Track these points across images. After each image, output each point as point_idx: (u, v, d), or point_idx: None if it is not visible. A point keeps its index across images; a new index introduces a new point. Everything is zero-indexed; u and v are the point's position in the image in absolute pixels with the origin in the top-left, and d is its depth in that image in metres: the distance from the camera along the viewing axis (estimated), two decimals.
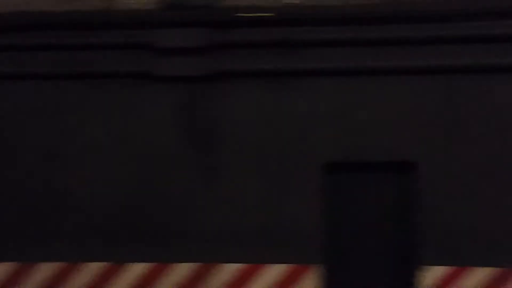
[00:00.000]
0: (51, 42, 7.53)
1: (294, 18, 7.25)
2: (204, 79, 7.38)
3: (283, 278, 7.17)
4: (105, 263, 7.28)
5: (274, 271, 7.19)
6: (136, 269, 7.26)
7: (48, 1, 7.53)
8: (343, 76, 7.27)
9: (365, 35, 7.26)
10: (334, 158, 7.26)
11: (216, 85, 7.39)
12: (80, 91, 7.52)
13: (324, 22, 7.25)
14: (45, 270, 7.29)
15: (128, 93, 7.49)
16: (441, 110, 7.17)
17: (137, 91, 7.48)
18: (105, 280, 7.27)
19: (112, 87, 7.50)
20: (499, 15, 7.05)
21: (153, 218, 7.32)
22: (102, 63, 7.55)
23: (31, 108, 7.53)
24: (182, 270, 7.24)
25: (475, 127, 7.14)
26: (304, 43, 7.29)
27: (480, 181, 7.05)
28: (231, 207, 7.29)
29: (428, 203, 7.10)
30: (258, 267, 7.21)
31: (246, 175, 7.30)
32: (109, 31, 7.52)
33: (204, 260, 7.24)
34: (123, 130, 7.44)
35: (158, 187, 7.35)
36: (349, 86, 7.27)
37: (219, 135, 7.38)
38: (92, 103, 7.50)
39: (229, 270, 7.22)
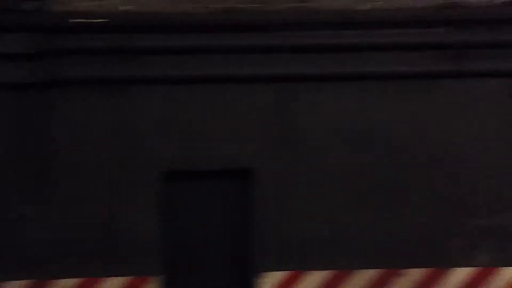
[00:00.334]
0: None
1: (130, 25, 7.14)
2: (36, 86, 7.06)
3: None
4: None
5: (113, 284, 6.99)
6: None
7: None
8: (181, 84, 7.22)
9: (203, 43, 7.26)
10: (173, 167, 7.19)
11: (49, 92, 7.09)
12: None
13: (160, 29, 7.20)
14: None
15: None
16: (278, 118, 7.32)
17: None
18: None
19: None
20: (327, 26, 7.32)
21: None
22: None
23: None
24: None
25: (311, 135, 7.33)
26: (139, 50, 7.18)
27: (314, 187, 7.24)
28: (66, 218, 7.00)
29: (265, 209, 7.19)
30: (95, 280, 6.98)
31: (82, 184, 7.06)
32: None
33: (37, 276, 6.90)
34: None
35: None
36: (187, 94, 7.23)
37: (53, 143, 7.08)
38: None
39: (64, 285, 6.94)
